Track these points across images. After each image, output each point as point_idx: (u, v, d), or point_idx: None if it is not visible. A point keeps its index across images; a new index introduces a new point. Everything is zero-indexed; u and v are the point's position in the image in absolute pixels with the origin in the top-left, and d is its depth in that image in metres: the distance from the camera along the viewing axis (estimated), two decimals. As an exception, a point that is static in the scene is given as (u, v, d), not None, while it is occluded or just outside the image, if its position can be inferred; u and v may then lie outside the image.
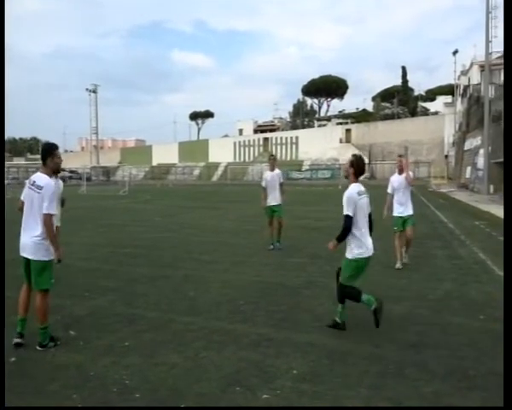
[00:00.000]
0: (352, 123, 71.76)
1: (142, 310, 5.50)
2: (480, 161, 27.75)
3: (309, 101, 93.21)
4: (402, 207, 7.83)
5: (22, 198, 4.42)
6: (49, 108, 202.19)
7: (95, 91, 69.31)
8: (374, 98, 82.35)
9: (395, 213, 7.86)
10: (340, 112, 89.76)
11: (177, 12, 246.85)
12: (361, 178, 4.84)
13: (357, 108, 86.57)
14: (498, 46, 28.39)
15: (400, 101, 73.03)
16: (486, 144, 26.05)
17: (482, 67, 35.52)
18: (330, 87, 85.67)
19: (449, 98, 64.97)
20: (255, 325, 4.98)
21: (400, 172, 7.96)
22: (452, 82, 55.29)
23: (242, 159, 73.88)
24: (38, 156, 4.97)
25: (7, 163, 44.70)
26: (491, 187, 24.89)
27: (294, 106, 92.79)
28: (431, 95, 79.47)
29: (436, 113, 67.45)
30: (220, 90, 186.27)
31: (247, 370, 3.85)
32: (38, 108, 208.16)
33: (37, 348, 4.28)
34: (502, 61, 25.92)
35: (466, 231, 11.95)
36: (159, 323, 5.03)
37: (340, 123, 74.76)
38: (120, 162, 72.06)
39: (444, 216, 15.48)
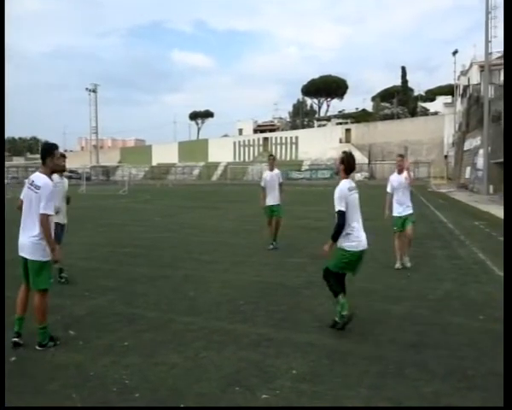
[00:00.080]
0: (352, 123, 71.87)
1: (141, 310, 5.50)
2: (480, 162, 27.76)
3: (309, 101, 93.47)
4: (401, 207, 7.81)
5: (22, 197, 4.41)
6: (49, 107, 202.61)
7: (95, 91, 69.45)
8: (373, 98, 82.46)
9: (394, 213, 7.85)
10: (339, 112, 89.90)
11: (177, 12, 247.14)
12: (353, 175, 4.85)
13: (357, 108, 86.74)
14: (498, 46, 28.51)
15: (400, 101, 73.12)
16: (486, 144, 26.07)
17: (482, 67, 35.54)
18: (330, 87, 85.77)
19: (449, 98, 65.05)
20: (255, 325, 4.98)
21: (400, 171, 7.95)
22: (452, 82, 55.39)
23: (242, 159, 73.94)
24: (38, 156, 4.97)
25: (6, 163, 44.71)
26: (491, 187, 24.91)
27: (294, 106, 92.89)
28: (431, 95, 79.59)
29: (436, 113, 67.54)
30: (220, 90, 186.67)
31: (247, 370, 3.85)
32: (38, 108, 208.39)
33: (37, 347, 4.28)
34: (502, 61, 25.98)
35: (466, 231, 11.94)
36: (159, 323, 5.02)
37: (340, 123, 74.88)
38: (120, 162, 72.08)
39: (443, 216, 15.48)
